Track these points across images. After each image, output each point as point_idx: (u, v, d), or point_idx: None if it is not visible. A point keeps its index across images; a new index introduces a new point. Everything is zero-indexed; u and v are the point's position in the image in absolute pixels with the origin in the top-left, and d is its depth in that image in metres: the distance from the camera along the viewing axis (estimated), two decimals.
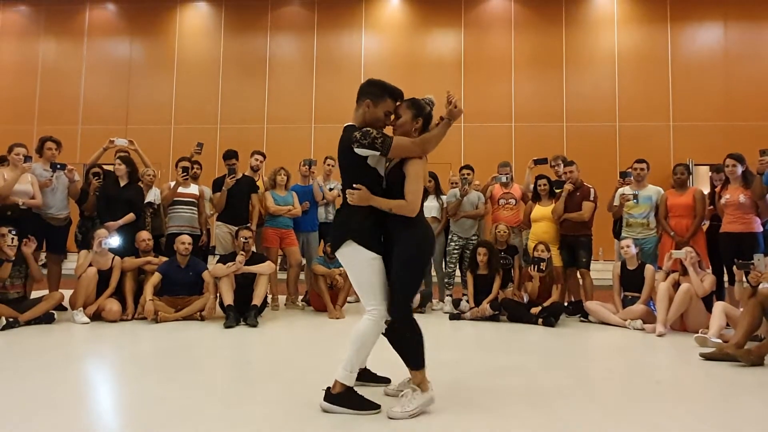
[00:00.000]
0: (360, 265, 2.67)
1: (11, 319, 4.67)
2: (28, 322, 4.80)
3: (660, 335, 4.76)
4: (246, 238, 5.39)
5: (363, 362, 2.96)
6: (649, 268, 5.32)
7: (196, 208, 6.07)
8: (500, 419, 2.59)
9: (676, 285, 5.02)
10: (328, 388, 2.68)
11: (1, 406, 2.67)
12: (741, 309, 4.47)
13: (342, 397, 2.64)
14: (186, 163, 6.06)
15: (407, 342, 2.66)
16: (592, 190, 5.96)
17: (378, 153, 2.62)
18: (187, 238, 5.44)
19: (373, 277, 2.67)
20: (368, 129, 2.64)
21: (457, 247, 6.24)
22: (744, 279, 4.64)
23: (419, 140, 2.68)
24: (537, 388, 3.13)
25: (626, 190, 5.89)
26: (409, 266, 2.65)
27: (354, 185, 2.66)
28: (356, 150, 2.64)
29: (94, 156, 6.17)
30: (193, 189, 6.13)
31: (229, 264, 5.28)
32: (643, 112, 11.28)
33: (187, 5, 12.23)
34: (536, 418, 2.62)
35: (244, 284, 5.28)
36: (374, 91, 2.77)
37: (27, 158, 5.31)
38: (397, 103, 2.80)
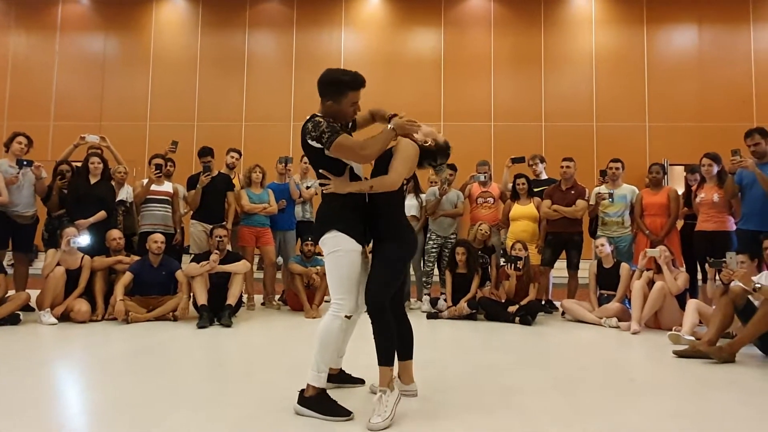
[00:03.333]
0: (341, 254, 2.62)
1: None
2: None
3: (634, 333, 4.80)
4: (221, 237, 5.30)
5: (335, 362, 2.91)
6: (624, 267, 5.36)
7: (170, 206, 5.95)
8: (475, 418, 2.57)
9: (651, 283, 5.07)
10: (302, 390, 2.62)
11: None
12: (713, 307, 4.53)
13: (313, 401, 2.59)
14: (160, 160, 5.93)
15: (377, 336, 2.62)
16: (586, 190, 5.99)
17: (323, 146, 2.59)
18: (159, 237, 5.32)
19: (349, 269, 2.62)
20: (320, 121, 2.59)
21: (435, 246, 6.22)
22: (716, 277, 4.71)
23: (361, 143, 2.62)
24: (512, 387, 3.11)
25: (602, 189, 5.93)
26: (391, 266, 2.67)
27: (322, 173, 2.67)
28: (309, 142, 2.63)
29: (64, 153, 6.03)
30: (167, 186, 6.01)
31: (203, 263, 5.18)
32: (620, 113, 11.41)
33: (163, 0, 12.00)
34: (510, 417, 2.60)
35: (219, 284, 5.19)
36: (333, 91, 2.69)
37: None
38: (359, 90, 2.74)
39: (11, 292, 5.18)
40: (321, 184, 2.69)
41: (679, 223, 5.86)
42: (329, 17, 11.82)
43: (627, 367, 3.79)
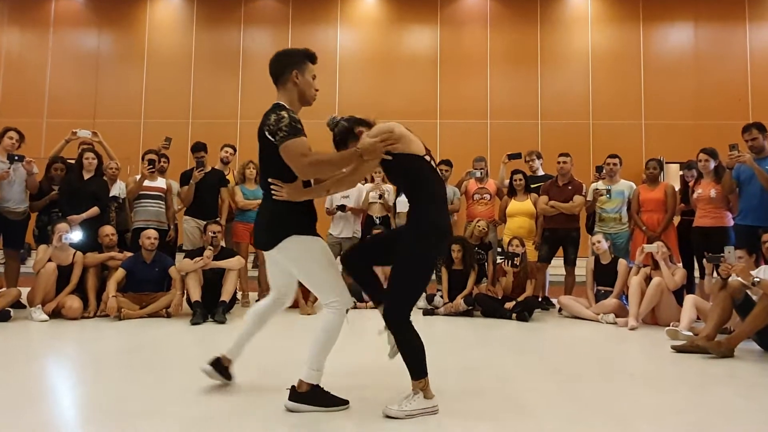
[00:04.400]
0: (311, 257, 2.52)
1: None
2: None
3: (632, 329, 4.77)
4: (214, 233, 5.24)
5: (235, 353, 2.85)
6: (622, 263, 5.33)
7: (163, 203, 5.89)
8: (473, 416, 2.52)
9: (648, 279, 5.04)
10: (293, 387, 2.55)
11: None
12: (711, 302, 4.51)
13: (309, 396, 2.53)
14: (153, 156, 5.86)
15: (404, 351, 2.49)
16: (584, 186, 5.96)
17: (273, 141, 2.44)
18: (153, 233, 5.25)
19: (326, 269, 2.54)
20: (284, 116, 2.45)
21: None
22: (714, 272, 4.68)
23: (314, 157, 2.42)
24: (510, 383, 3.07)
25: (599, 185, 5.90)
26: (410, 268, 2.48)
27: (270, 181, 2.49)
28: (266, 134, 2.47)
29: (56, 148, 5.95)
30: (161, 182, 5.94)
31: (197, 259, 5.12)
32: (616, 110, 11.40)
33: None
34: (509, 413, 2.55)
35: (213, 280, 5.13)
36: (294, 59, 2.58)
37: None
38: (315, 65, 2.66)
39: (1, 289, 5.11)
40: (271, 191, 2.51)
41: (676, 220, 5.84)
42: (325, 14, 11.77)
43: (626, 363, 3.75)
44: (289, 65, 2.58)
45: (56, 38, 11.83)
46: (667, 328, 4.40)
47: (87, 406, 2.59)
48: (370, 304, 5.80)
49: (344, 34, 11.78)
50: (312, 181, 2.59)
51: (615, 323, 5.00)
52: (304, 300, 5.56)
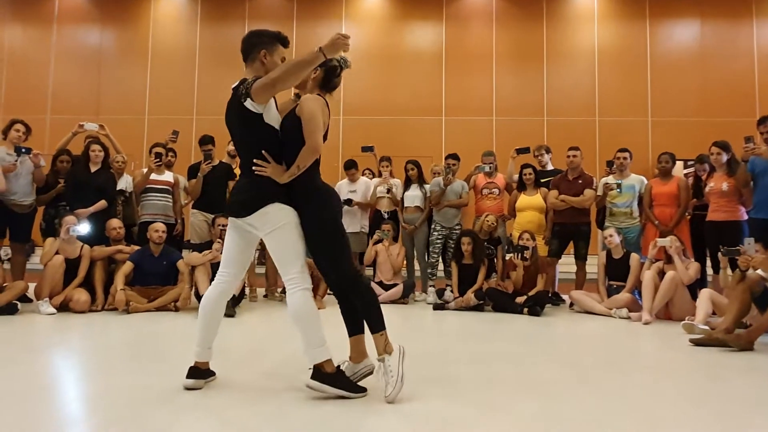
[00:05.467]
0: (289, 226, 2.51)
1: None
2: None
3: (646, 323, 4.71)
4: (223, 226, 5.18)
5: (205, 355, 2.68)
6: (634, 257, 5.28)
7: (170, 196, 5.84)
8: (493, 407, 2.47)
9: (661, 274, 4.99)
10: (316, 367, 2.51)
11: None
12: (726, 296, 4.45)
13: (331, 377, 2.49)
14: (160, 149, 5.82)
15: (361, 306, 2.56)
16: (594, 179, 5.91)
17: (248, 99, 2.44)
18: (160, 226, 5.20)
19: (299, 240, 2.54)
20: (246, 79, 2.47)
21: (440, 237, 6.12)
22: (728, 267, 4.64)
23: (278, 68, 2.43)
24: (528, 376, 3.02)
25: (609, 179, 5.85)
26: (322, 234, 2.54)
27: (254, 162, 2.50)
28: (246, 105, 2.45)
29: (62, 141, 5.90)
30: (168, 176, 5.90)
31: (206, 252, 5.08)
32: (622, 108, 11.36)
33: None
34: (530, 405, 2.49)
35: None
36: (264, 39, 2.60)
37: None
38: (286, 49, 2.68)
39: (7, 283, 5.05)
40: (254, 166, 2.51)
41: (688, 214, 5.78)
42: (329, 11, 11.73)
43: (642, 355, 3.70)
44: (258, 44, 2.59)
45: (59, 35, 11.79)
46: (683, 322, 4.35)
47: (95, 398, 2.54)
48: (379, 298, 5.78)
49: (349, 31, 11.41)
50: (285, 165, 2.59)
51: (628, 318, 4.95)
52: (313, 295, 5.50)
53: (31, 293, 5.09)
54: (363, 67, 11.60)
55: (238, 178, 6.01)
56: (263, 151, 2.51)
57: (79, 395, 2.61)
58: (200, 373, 2.65)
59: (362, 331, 2.70)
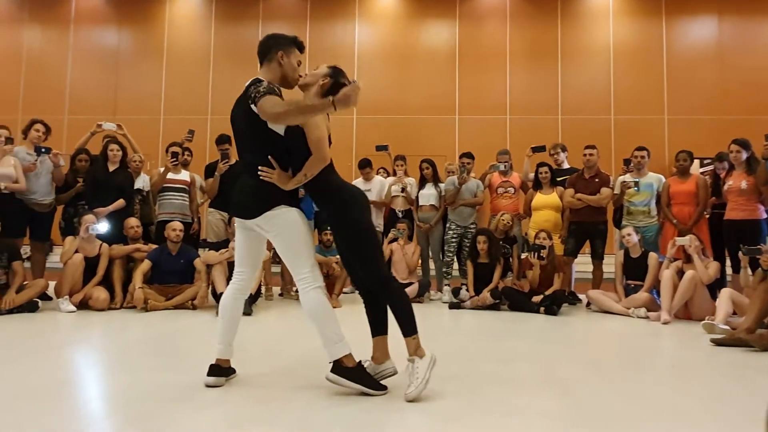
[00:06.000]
0: (295, 227, 2.53)
1: None
2: (10, 311, 4.57)
3: (665, 323, 4.66)
4: None
5: (227, 352, 2.71)
6: (652, 256, 5.22)
7: (187, 195, 5.89)
8: (516, 405, 2.45)
9: (680, 273, 4.93)
10: (336, 361, 2.52)
11: None
12: (747, 295, 4.39)
13: (351, 372, 2.50)
14: (177, 149, 5.87)
15: (393, 309, 2.55)
16: (611, 178, 5.85)
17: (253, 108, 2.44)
18: (178, 225, 5.25)
19: (307, 240, 2.56)
20: (261, 85, 2.46)
21: (455, 236, 6.11)
22: (748, 266, 4.57)
23: (287, 103, 2.39)
24: (549, 374, 3.00)
25: (627, 177, 5.78)
26: (350, 235, 2.55)
27: (260, 168, 2.49)
28: (254, 108, 2.44)
29: (81, 141, 5.97)
30: (184, 175, 5.95)
31: (222, 251, 5.11)
32: (638, 105, 11.24)
33: None
34: (553, 402, 2.48)
35: None
36: (281, 42, 2.63)
37: (9, 140, 5.09)
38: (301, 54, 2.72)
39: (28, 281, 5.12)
40: (260, 170, 2.50)
41: (706, 214, 5.70)
42: (343, 10, 11.74)
43: (664, 355, 3.66)
44: (275, 46, 2.62)
45: (77, 35, 11.93)
46: (703, 321, 4.29)
47: (117, 395, 2.56)
48: None
49: (362, 30, 11.75)
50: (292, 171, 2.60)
51: (647, 317, 4.89)
52: (328, 293, 5.52)
53: (51, 291, 5.16)
54: (377, 67, 11.62)
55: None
56: (269, 157, 2.51)
57: (100, 392, 2.64)
58: (221, 370, 2.67)
59: (386, 332, 2.70)
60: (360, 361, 2.56)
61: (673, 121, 11.20)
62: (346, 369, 2.49)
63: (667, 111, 11.24)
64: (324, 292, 2.56)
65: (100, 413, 2.30)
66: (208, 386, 2.60)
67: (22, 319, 4.44)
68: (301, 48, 2.70)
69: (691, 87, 11.17)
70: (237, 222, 2.69)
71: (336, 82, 2.63)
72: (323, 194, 2.61)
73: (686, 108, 11.14)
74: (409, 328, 2.51)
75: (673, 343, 4.09)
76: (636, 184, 5.60)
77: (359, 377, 2.50)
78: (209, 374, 2.63)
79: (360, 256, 2.57)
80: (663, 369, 3.19)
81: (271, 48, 2.61)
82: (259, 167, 2.50)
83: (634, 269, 5.31)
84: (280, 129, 2.53)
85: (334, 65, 2.68)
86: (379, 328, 2.70)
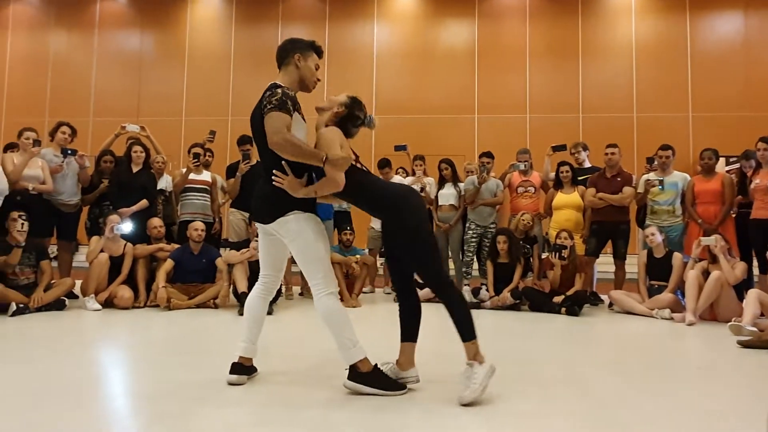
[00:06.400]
0: (311, 233, 2.53)
1: (21, 305, 4.57)
2: (39, 309, 4.69)
3: (690, 324, 4.57)
4: None
5: (251, 351, 2.73)
6: (677, 257, 5.13)
7: (208, 195, 5.97)
8: (538, 405, 2.43)
9: (705, 273, 4.84)
10: (351, 367, 2.53)
11: (11, 389, 2.55)
12: None
13: (367, 377, 2.51)
14: (198, 150, 5.95)
15: (452, 312, 2.51)
16: (634, 177, 5.77)
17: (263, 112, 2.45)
18: (200, 225, 5.32)
19: (324, 246, 2.56)
20: (278, 91, 2.46)
21: (474, 236, 6.08)
22: None
23: (285, 136, 2.40)
24: (571, 375, 2.97)
25: (651, 176, 5.69)
26: (412, 239, 2.52)
27: (274, 173, 2.49)
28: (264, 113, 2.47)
29: (105, 142, 6.07)
30: (206, 176, 6.03)
31: (244, 251, 5.17)
32: (662, 103, 11.05)
33: None
34: (576, 403, 2.45)
35: (259, 271, 5.14)
36: (299, 45, 2.64)
37: (36, 142, 5.21)
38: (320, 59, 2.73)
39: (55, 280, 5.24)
40: (271, 177, 2.50)
41: (732, 213, 5.59)
42: (362, 10, 11.77)
43: (690, 356, 3.60)
44: (292, 50, 2.64)
45: (101, 39, 12.16)
46: (730, 323, 4.21)
47: (141, 392, 2.61)
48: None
49: (381, 30, 11.76)
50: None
51: (671, 319, 4.81)
52: (348, 293, 5.55)
53: (77, 290, 5.26)
54: (395, 67, 11.62)
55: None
56: (283, 162, 2.49)
57: (126, 390, 2.69)
58: (244, 369, 2.70)
59: (415, 340, 2.70)
60: (376, 364, 2.56)
61: (697, 119, 10.99)
62: (361, 374, 2.50)
63: (692, 108, 11.03)
64: (337, 298, 2.56)
65: (126, 411, 2.34)
66: (230, 384, 2.64)
67: (50, 317, 4.54)
68: (318, 52, 2.70)
69: (716, 83, 10.94)
70: (258, 226, 2.71)
71: (351, 113, 2.65)
72: (374, 204, 2.61)
73: (711, 105, 10.92)
74: (467, 333, 2.49)
75: (698, 344, 4.01)
76: (661, 182, 5.52)
77: (376, 381, 2.51)
78: (231, 372, 2.67)
79: (419, 261, 2.56)
80: (688, 371, 3.13)
81: (288, 51, 2.63)
82: (273, 172, 2.51)
83: (658, 269, 5.23)
84: (298, 134, 2.52)
85: (354, 96, 2.70)
86: (408, 334, 2.69)
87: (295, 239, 2.54)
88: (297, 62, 2.61)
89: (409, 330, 2.69)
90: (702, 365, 3.30)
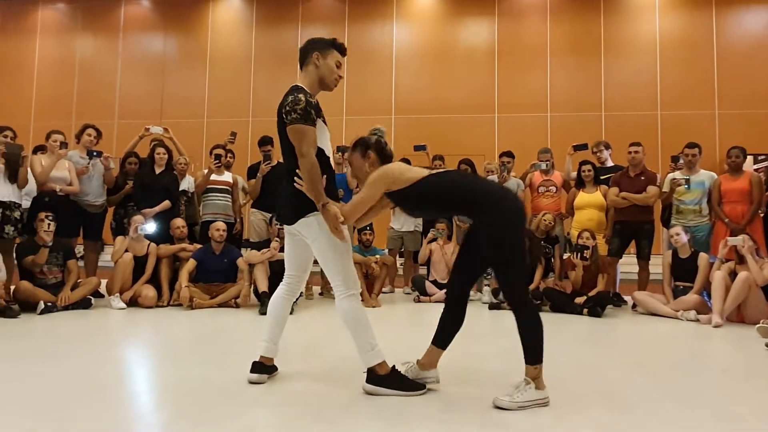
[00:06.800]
0: (330, 236, 2.51)
1: (49, 304, 4.67)
2: (66, 307, 4.79)
3: (717, 326, 4.47)
4: (281, 225, 5.29)
5: (271, 351, 2.75)
6: (703, 257, 5.03)
7: (230, 196, 6.03)
8: (561, 407, 2.40)
9: (732, 274, 4.73)
10: (369, 370, 2.54)
11: (40, 386, 2.62)
12: None
13: (385, 379, 2.51)
14: (220, 151, 6.02)
15: (522, 331, 2.42)
16: (658, 176, 5.68)
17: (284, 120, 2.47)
18: (221, 225, 5.38)
19: (341, 248, 2.54)
20: (301, 99, 2.46)
21: None
22: None
23: (308, 158, 2.43)
24: (596, 378, 2.92)
25: (677, 175, 5.59)
26: (507, 253, 2.40)
27: (297, 173, 2.50)
28: (283, 116, 2.49)
29: (130, 144, 6.18)
30: (227, 176, 6.10)
31: (264, 250, 5.21)
32: (687, 101, 10.83)
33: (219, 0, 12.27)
34: (599, 406, 2.42)
35: (279, 271, 5.13)
36: (319, 44, 2.63)
37: (63, 144, 5.33)
38: (343, 57, 2.68)
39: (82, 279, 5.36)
40: (293, 177, 2.52)
41: (761, 212, 5.45)
42: (381, 10, 11.77)
43: (715, 358, 3.52)
44: (312, 49, 2.62)
45: (125, 43, 12.38)
46: (758, 325, 4.10)
47: (165, 388, 2.65)
48: (434, 297, 5.77)
49: (400, 30, 11.75)
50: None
51: (697, 320, 4.71)
52: (368, 293, 5.56)
53: (103, 289, 5.37)
54: (414, 66, 11.59)
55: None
56: (297, 172, 2.51)
57: (149, 386, 2.73)
58: (265, 368, 2.72)
59: (445, 348, 2.66)
60: (394, 366, 2.56)
61: (724, 116, 10.74)
62: (380, 377, 2.50)
63: (718, 105, 10.79)
64: (358, 300, 2.56)
65: (150, 407, 2.38)
66: (250, 383, 2.66)
67: (77, 316, 4.64)
68: (340, 49, 2.67)
69: (743, 80, 10.68)
70: (284, 227, 2.72)
71: (380, 149, 2.62)
72: (485, 211, 2.44)
73: (738, 102, 10.67)
74: (533, 356, 2.41)
75: (724, 347, 3.93)
76: (687, 181, 5.41)
77: (394, 383, 2.51)
78: (252, 371, 2.69)
79: (506, 275, 2.44)
80: (714, 373, 3.07)
81: (307, 51, 2.63)
82: (296, 174, 2.52)
83: (683, 270, 5.13)
84: (321, 139, 2.54)
85: (364, 138, 2.70)
86: (442, 342, 2.66)
87: (316, 240, 2.55)
88: (316, 61, 2.60)
89: (444, 337, 2.65)
90: (728, 368, 3.22)
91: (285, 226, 2.70)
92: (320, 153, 2.55)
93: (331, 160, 2.67)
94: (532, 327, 2.42)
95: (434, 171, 2.62)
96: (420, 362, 2.66)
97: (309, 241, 2.59)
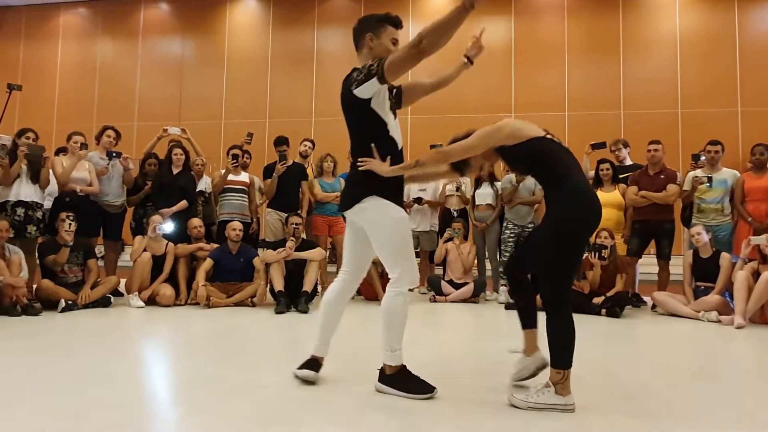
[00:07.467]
0: (388, 222, 2.41)
1: (70, 302, 4.76)
2: (86, 306, 4.87)
3: (739, 327, 4.38)
4: (296, 225, 5.33)
5: (322, 350, 2.70)
6: (725, 257, 4.93)
7: (246, 196, 6.08)
8: (580, 408, 2.36)
9: (756, 274, 4.63)
10: (381, 368, 2.53)
11: (60, 380, 2.66)
12: None
13: (395, 379, 2.48)
14: (237, 151, 6.07)
15: (551, 334, 2.30)
16: (678, 174, 5.59)
17: (375, 78, 2.32)
18: (238, 225, 5.42)
19: (402, 237, 2.43)
20: (366, 63, 2.38)
21: (512, 236, 5.98)
22: None
23: (417, 39, 2.29)
24: (612, 378, 2.89)
25: (698, 173, 5.49)
26: (553, 242, 2.28)
27: (359, 160, 2.42)
28: (355, 92, 2.37)
29: (148, 145, 6.27)
30: (244, 177, 6.14)
31: (280, 250, 5.23)
32: (708, 98, 10.63)
33: (236, 2, 12.37)
34: (618, 407, 2.38)
35: (295, 271, 5.21)
36: (370, 24, 2.49)
37: (83, 146, 5.42)
38: (399, 30, 2.54)
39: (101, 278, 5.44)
40: (357, 163, 2.44)
41: None
42: (396, 11, 11.46)
43: (738, 360, 3.44)
44: (364, 30, 2.50)
45: (144, 46, 12.55)
46: None
47: (182, 384, 2.68)
48: (450, 297, 5.73)
49: (416, 30, 11.55)
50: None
51: (718, 321, 4.62)
52: (383, 292, 5.54)
53: (122, 288, 5.45)
54: (429, 64, 11.40)
55: (309, 178, 6.18)
56: (372, 145, 2.42)
57: (167, 382, 2.76)
58: (316, 365, 2.67)
59: (535, 326, 2.61)
60: (404, 365, 2.51)
61: (747, 113, 10.52)
62: (387, 377, 2.48)
63: (741, 103, 10.56)
64: (407, 299, 2.45)
65: (167, 402, 2.41)
66: (298, 378, 2.64)
67: (97, 314, 4.71)
68: (395, 23, 2.52)
69: (767, 76, 10.45)
70: (346, 217, 2.61)
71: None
72: (558, 199, 2.35)
73: (762, 99, 10.43)
74: (559, 360, 2.30)
75: (747, 348, 3.84)
76: (709, 179, 5.31)
77: (398, 383, 2.46)
78: (302, 367, 2.64)
79: (549, 270, 2.31)
80: (736, 375, 3.00)
81: (360, 33, 2.51)
82: (358, 153, 2.45)
83: (704, 270, 5.03)
84: (380, 110, 2.43)
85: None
86: (527, 322, 2.62)
87: (372, 228, 2.43)
88: (370, 43, 2.48)
89: (527, 318, 2.62)
90: (750, 369, 3.15)
91: (346, 216, 2.57)
92: (392, 143, 2.48)
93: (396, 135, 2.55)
94: (565, 334, 2.31)
95: (550, 135, 2.60)
96: (524, 351, 2.63)
97: (366, 229, 2.45)
